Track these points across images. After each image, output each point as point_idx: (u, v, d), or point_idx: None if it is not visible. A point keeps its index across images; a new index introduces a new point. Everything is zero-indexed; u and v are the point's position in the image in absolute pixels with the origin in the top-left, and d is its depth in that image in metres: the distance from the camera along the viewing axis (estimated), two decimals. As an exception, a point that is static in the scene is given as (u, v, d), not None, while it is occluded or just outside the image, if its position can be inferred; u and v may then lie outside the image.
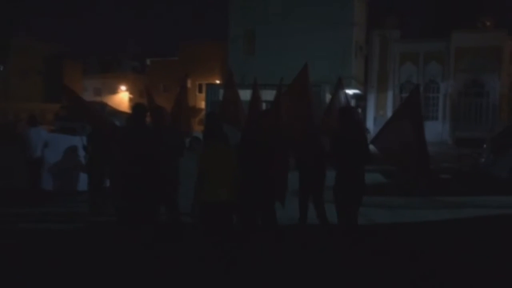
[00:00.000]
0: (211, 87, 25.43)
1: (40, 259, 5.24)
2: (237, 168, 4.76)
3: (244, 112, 6.81)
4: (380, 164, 8.71)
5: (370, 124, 26.70)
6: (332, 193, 5.36)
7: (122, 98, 45.27)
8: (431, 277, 4.77)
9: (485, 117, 26.00)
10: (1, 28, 36.88)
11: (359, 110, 26.97)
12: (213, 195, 4.64)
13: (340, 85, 6.77)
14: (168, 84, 44.45)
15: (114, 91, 45.65)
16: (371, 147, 5.39)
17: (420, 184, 6.57)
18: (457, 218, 7.72)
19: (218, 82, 32.79)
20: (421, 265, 5.13)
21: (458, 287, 4.70)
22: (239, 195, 4.75)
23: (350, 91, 26.75)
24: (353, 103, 26.54)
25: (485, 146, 12.76)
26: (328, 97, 20.65)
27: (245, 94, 7.17)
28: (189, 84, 43.78)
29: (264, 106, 7.69)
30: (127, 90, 46.37)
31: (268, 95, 23.53)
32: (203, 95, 42.14)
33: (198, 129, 17.09)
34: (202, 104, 40.52)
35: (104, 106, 27.98)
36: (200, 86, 42.60)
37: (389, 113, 24.40)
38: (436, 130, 25.40)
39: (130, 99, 47.96)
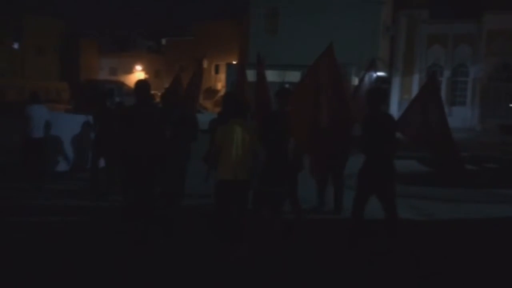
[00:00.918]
0: (230, 67, 24.67)
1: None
2: (256, 146, 4.58)
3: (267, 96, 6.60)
4: (414, 150, 8.05)
5: (394, 108, 25.73)
6: (358, 180, 5.01)
7: (138, 78, 44.70)
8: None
9: (516, 103, 24.90)
10: (15, 5, 36.39)
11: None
12: (228, 174, 4.49)
13: (372, 66, 6.65)
14: (185, 64, 43.78)
15: (129, 70, 45.16)
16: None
17: (453, 172, 6.05)
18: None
19: (234, 62, 31.91)
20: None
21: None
22: (259, 178, 4.59)
23: (376, 74, 25.77)
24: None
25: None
26: (354, 79, 19.79)
27: (268, 74, 6.87)
28: (205, 64, 42.99)
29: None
30: (142, 70, 45.90)
31: (292, 76, 22.80)
32: (219, 75, 41.61)
33: (215, 111, 16.47)
34: (219, 86, 39.88)
35: (121, 85, 27.56)
36: (216, 66, 41.85)
37: (415, 98, 23.40)
38: (463, 116, 24.42)
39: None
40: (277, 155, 4.88)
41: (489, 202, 7.69)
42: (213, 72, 41.50)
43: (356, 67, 20.79)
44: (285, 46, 23.20)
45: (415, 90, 26.10)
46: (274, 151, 4.87)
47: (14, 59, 35.74)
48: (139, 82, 5.37)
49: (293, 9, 24.14)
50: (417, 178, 9.19)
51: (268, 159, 4.78)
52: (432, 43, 26.15)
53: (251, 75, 7.23)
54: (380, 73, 25.67)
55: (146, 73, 46.79)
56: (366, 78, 6.90)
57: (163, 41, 51.66)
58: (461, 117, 23.87)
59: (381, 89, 6.12)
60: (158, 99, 20.28)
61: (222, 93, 36.40)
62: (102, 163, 7.33)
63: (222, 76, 41.51)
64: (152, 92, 23.78)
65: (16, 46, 33.78)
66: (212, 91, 38.98)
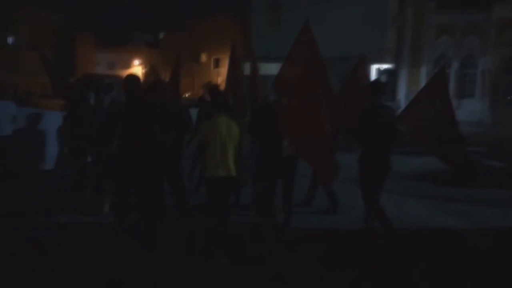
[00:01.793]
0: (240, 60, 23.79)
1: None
2: (241, 142, 4.55)
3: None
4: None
5: (401, 101, 25.02)
6: (361, 177, 4.89)
7: (136, 72, 43.96)
8: None
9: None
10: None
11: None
12: (212, 171, 4.44)
13: (362, 61, 6.36)
14: (182, 58, 43.03)
15: (127, 65, 44.33)
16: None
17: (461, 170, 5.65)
18: None
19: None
20: None
21: None
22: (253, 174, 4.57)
23: (383, 66, 25.06)
24: (383, 79, 24.89)
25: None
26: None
27: (270, 68, 6.82)
28: (204, 58, 42.23)
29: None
30: (140, 64, 45.06)
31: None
32: (219, 69, 40.85)
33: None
34: (219, 80, 39.10)
35: (120, 80, 26.67)
36: (216, 60, 41.05)
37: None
38: (473, 109, 23.71)
39: (144, 74, 46.71)
40: (269, 149, 4.84)
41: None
42: (212, 66, 40.61)
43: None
44: (287, 39, 22.34)
45: (422, 82, 25.34)
46: (266, 145, 4.83)
47: (8, 55, 34.88)
48: (129, 77, 5.01)
49: (296, 0, 23.35)
50: (446, 178, 8.48)
51: (260, 154, 4.74)
52: (439, 34, 25.39)
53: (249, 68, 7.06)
54: (386, 65, 24.99)
55: (144, 67, 45.95)
56: (358, 75, 6.33)
57: (161, 35, 50.77)
58: (470, 110, 23.19)
59: (380, 81, 6.15)
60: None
61: (222, 87, 35.67)
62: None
63: (222, 70, 40.87)
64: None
65: (10, 41, 32.81)
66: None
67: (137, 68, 44.69)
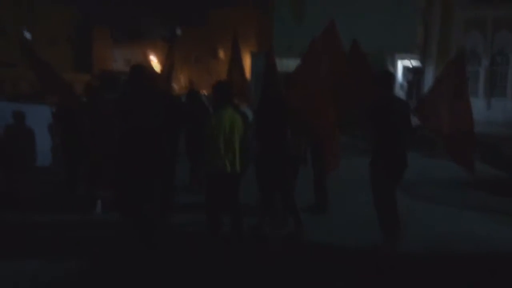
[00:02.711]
0: (256, 55, 23.09)
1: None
2: (246, 137, 4.44)
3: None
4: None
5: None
6: (374, 180, 4.44)
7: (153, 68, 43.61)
8: None
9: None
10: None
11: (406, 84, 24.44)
12: (216, 165, 4.31)
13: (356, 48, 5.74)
14: (200, 54, 42.51)
15: (144, 61, 43.95)
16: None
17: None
18: None
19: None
20: None
21: None
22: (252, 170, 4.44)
23: (411, 62, 24.09)
24: (410, 76, 24.01)
25: None
26: (389, 67, 18.30)
27: (294, 64, 6.27)
28: (221, 54, 41.64)
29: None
30: (157, 60, 44.66)
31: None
32: (237, 66, 40.18)
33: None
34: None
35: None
36: (233, 56, 40.39)
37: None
38: (504, 108, 22.58)
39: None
40: (270, 144, 4.72)
41: None
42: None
43: (391, 55, 19.21)
44: (312, 34, 21.61)
45: (450, 79, 24.35)
46: (268, 139, 4.70)
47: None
48: (135, 67, 4.80)
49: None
50: (497, 185, 7.65)
51: (261, 149, 4.63)
52: (469, 29, 24.24)
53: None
54: (414, 62, 24.01)
55: (161, 63, 45.57)
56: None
57: (178, 30, 50.35)
58: (501, 110, 22.12)
59: (390, 72, 5.92)
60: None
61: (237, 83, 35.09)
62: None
63: (240, 66, 40.28)
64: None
65: (28, 36, 32.67)
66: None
67: (155, 64, 44.31)
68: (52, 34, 37.51)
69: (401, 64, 23.45)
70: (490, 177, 8.16)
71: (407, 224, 4.99)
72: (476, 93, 22.97)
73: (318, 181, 5.82)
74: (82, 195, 5.97)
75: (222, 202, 4.52)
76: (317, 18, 23.36)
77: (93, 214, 5.58)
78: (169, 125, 4.97)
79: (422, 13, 24.30)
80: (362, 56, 5.45)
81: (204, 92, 32.54)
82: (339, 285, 3.90)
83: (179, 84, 43.96)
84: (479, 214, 6.21)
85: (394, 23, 20.95)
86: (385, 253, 4.39)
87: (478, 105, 20.42)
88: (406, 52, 22.50)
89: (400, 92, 22.41)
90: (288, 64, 11.69)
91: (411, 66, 23.46)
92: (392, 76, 4.96)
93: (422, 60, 24.90)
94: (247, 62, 29.54)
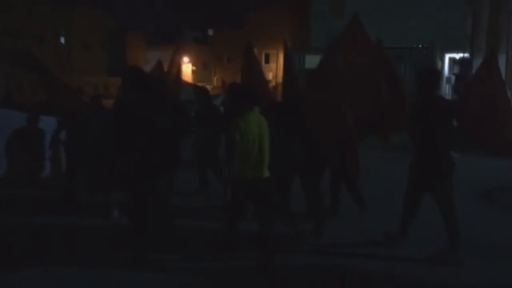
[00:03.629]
0: (296, 53, 22.34)
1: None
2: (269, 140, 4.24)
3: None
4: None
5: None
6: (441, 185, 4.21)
7: (185, 70, 43.66)
8: None
9: None
10: (63, 0, 36.14)
11: (453, 77, 23.13)
12: (247, 172, 4.06)
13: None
14: (232, 55, 42.17)
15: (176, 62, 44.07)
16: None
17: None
18: None
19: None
20: None
21: None
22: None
23: (459, 55, 22.70)
24: (456, 69, 22.60)
25: None
26: (437, 61, 17.13)
27: None
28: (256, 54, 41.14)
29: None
30: (189, 61, 44.71)
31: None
32: (270, 65, 39.58)
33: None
34: (270, 75, 37.77)
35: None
36: (266, 55, 39.76)
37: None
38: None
39: (193, 71, 46.35)
40: (281, 148, 4.62)
41: None
42: (263, 61, 39.27)
43: (439, 48, 18.01)
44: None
45: (501, 72, 22.80)
46: (281, 143, 4.60)
47: (60, 54, 35.41)
48: (132, 69, 4.55)
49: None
50: None
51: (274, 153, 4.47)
52: (520, 18, 22.67)
53: (311, 60, 6.38)
54: (462, 54, 22.61)
55: (193, 64, 45.53)
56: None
57: (210, 31, 50.39)
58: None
59: (435, 69, 5.83)
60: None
61: (273, 83, 34.51)
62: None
63: (273, 65, 39.64)
64: (200, 84, 22.05)
65: (62, 40, 33.18)
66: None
67: (187, 66, 44.38)
68: (86, 39, 38.03)
69: (448, 57, 22.16)
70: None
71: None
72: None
73: (334, 182, 5.66)
74: (99, 200, 5.80)
75: (242, 210, 4.49)
76: (357, 13, 22.40)
77: (110, 218, 5.52)
78: (172, 129, 4.78)
79: (471, 3, 22.93)
80: (386, 58, 5.33)
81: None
82: None
83: (212, 83, 43.92)
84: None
85: (443, 16, 19.68)
86: (454, 261, 4.13)
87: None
88: (456, 44, 21.19)
89: (446, 86, 21.12)
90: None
91: (457, 58, 22.08)
92: (437, 75, 4.70)
93: (470, 52, 23.53)
94: (280, 62, 28.77)
